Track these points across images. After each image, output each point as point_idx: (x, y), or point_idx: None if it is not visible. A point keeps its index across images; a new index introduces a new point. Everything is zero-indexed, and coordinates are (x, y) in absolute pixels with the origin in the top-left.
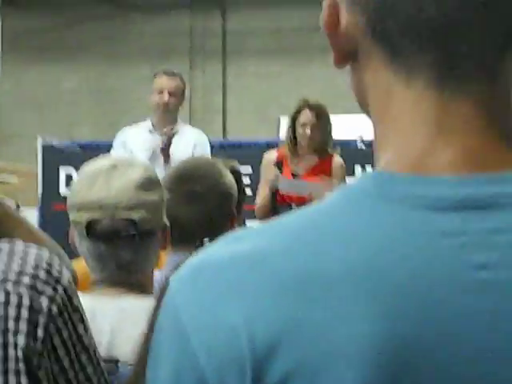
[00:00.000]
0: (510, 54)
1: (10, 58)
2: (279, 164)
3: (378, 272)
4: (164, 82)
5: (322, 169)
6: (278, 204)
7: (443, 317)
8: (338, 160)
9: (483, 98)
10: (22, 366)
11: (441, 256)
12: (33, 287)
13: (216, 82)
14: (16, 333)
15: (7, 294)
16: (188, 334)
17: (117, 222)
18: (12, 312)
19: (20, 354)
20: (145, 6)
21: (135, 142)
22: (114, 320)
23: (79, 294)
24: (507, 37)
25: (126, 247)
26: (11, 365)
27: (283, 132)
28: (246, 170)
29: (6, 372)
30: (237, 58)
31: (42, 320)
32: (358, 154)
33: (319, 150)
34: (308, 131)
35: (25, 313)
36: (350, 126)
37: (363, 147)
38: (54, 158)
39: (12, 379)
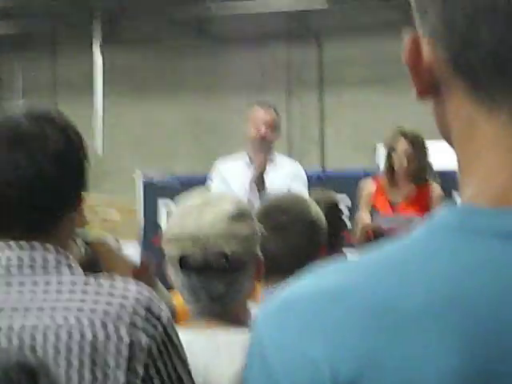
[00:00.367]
0: None
1: (110, 94)
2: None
3: (459, 304)
4: (260, 115)
5: (420, 198)
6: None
7: None
8: (436, 189)
9: None
10: None
11: None
12: (133, 324)
13: (313, 112)
14: (116, 369)
15: (108, 330)
16: (273, 369)
17: (208, 254)
18: (112, 348)
19: None
20: (242, 39)
21: (232, 175)
22: (208, 356)
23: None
24: None
25: (219, 279)
26: None
27: (380, 160)
28: (343, 199)
29: None
30: (333, 88)
31: (141, 357)
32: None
33: (417, 179)
34: (405, 161)
35: (125, 349)
36: (449, 151)
37: None
38: (154, 192)
39: None
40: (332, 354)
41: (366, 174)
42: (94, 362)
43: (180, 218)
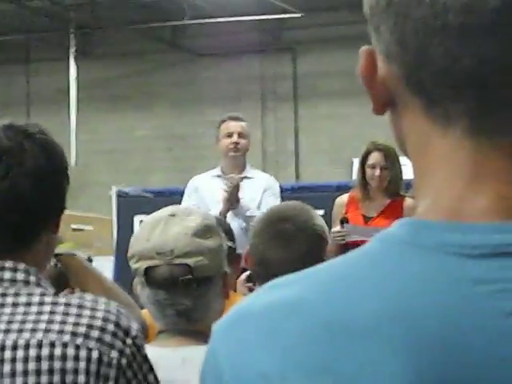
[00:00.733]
0: None
1: (85, 108)
2: (345, 219)
3: (408, 321)
4: (231, 125)
5: (394, 211)
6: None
7: (474, 364)
8: (409, 202)
9: None
10: None
11: (472, 303)
12: (102, 341)
13: (288, 125)
14: None
15: (77, 348)
16: (226, 382)
17: (173, 267)
18: (82, 366)
19: None
20: (216, 53)
21: (207, 190)
22: (175, 371)
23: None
24: None
25: (185, 294)
26: None
27: (356, 174)
28: (318, 213)
29: None
30: (308, 101)
31: (111, 373)
32: None
33: (390, 192)
34: (377, 173)
35: (94, 367)
36: None
37: None
38: (128, 205)
39: None
40: (283, 368)
41: (341, 188)
42: (63, 382)
43: (146, 233)
